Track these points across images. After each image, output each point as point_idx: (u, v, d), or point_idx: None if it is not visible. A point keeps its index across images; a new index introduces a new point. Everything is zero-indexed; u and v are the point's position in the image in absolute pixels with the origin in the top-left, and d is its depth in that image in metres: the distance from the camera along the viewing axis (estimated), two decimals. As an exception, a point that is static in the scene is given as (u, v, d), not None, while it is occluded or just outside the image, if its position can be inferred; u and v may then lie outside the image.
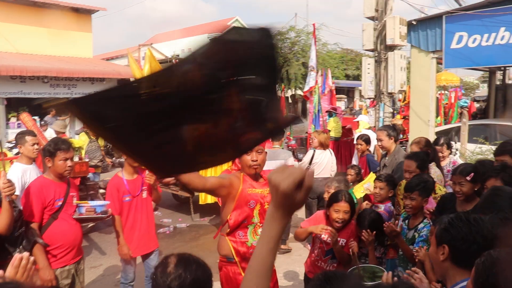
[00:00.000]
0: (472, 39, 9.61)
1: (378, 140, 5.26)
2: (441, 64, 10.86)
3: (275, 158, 6.12)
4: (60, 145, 3.72)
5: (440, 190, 4.16)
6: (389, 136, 5.13)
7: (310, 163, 6.71)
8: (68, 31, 18.84)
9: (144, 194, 4.59)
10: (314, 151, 6.95)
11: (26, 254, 1.93)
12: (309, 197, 6.39)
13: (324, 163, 6.93)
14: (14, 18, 17.34)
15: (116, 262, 6.49)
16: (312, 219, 3.85)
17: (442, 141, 5.45)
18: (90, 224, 7.35)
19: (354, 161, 8.23)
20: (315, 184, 5.74)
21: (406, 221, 3.64)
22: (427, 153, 4.71)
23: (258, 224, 3.23)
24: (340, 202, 3.57)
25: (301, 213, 8.28)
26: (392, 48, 10.30)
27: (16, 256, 1.88)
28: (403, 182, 4.37)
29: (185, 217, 8.78)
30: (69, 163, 3.74)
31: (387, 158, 5.17)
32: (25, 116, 5.44)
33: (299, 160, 11.54)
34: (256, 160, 3.20)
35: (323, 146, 6.92)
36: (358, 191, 4.89)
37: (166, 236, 7.79)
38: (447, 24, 9.93)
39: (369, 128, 10.27)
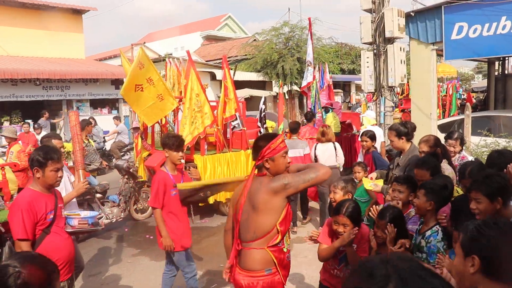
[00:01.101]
0: (472, 29, 9.43)
1: (390, 140, 4.99)
2: (440, 55, 10.68)
3: (294, 147, 7.52)
4: (51, 154, 3.44)
5: (458, 192, 3.90)
6: (398, 136, 4.82)
7: (314, 154, 7.59)
8: (59, 32, 18.61)
9: None
10: (316, 144, 7.68)
11: None
12: (321, 185, 7.26)
13: (326, 155, 7.54)
14: (3, 20, 17.11)
15: (115, 270, 6.29)
16: (326, 230, 3.62)
17: (456, 135, 5.19)
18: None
19: (360, 158, 8.06)
20: None
21: (420, 226, 3.40)
22: (437, 154, 4.45)
23: (290, 229, 3.20)
24: (339, 216, 3.37)
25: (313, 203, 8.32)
26: (391, 40, 10.13)
27: None
28: None
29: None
30: (60, 173, 3.50)
31: (401, 157, 4.89)
32: (72, 114, 5.17)
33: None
34: (291, 161, 3.13)
35: (326, 139, 7.56)
36: (366, 184, 4.70)
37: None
38: (446, 14, 9.74)
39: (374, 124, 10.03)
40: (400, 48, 10.00)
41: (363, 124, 10.87)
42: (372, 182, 4.63)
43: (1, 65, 15.02)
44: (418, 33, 10.26)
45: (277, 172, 3.07)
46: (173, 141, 4.57)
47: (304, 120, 10.48)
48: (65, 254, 3.53)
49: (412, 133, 4.99)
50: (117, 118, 15.81)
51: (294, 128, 8.06)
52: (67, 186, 4.79)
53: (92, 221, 4.00)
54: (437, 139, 4.66)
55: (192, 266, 4.86)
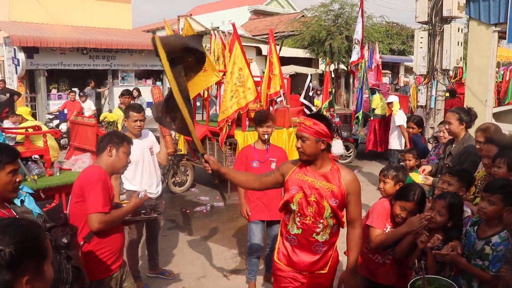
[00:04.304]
0: (543, 9, 8.62)
1: (447, 123, 4.55)
2: (502, 38, 9.95)
3: None
4: (128, 138, 3.33)
5: None
6: (460, 121, 4.37)
7: None
8: (107, 2, 18.71)
9: (273, 165, 4.63)
10: None
11: None
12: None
13: None
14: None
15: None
16: (382, 214, 3.37)
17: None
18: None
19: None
20: None
21: (475, 227, 2.96)
22: None
23: (297, 213, 2.93)
24: (409, 202, 3.18)
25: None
26: (448, 20, 9.50)
27: None
28: (480, 172, 3.78)
29: (222, 195, 8.48)
30: (129, 159, 3.32)
31: (454, 145, 4.46)
32: (155, 88, 5.20)
33: (342, 137, 11.04)
34: (299, 148, 2.91)
35: None
36: (417, 178, 4.37)
37: (203, 216, 7.50)
38: (513, -8, 8.96)
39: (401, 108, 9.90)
40: (458, 28, 9.37)
41: (374, 108, 10.55)
42: (422, 175, 4.29)
43: (51, 34, 15.26)
44: (480, 13, 9.52)
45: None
46: (255, 116, 4.83)
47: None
48: (118, 243, 3.26)
49: (473, 122, 4.54)
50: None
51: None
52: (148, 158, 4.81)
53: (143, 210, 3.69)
54: (497, 129, 4.19)
55: (250, 243, 4.78)
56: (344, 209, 2.95)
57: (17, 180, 2.54)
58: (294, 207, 2.92)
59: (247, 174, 3.44)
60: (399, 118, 9.28)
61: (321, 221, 2.88)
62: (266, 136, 4.71)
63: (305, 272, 3.01)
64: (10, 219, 1.59)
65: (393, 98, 10.15)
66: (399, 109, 9.72)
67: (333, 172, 2.91)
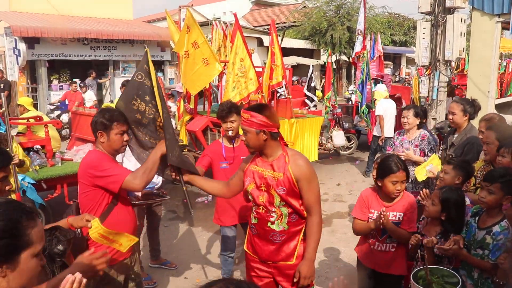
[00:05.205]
0: (548, 0, 8.55)
1: (451, 113, 4.53)
2: (505, 29, 9.88)
3: None
4: (116, 116, 3.06)
5: None
6: (464, 112, 4.36)
7: None
8: (109, -8, 18.64)
9: None
10: None
11: (78, 275, 1.64)
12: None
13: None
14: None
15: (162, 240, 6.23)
16: (361, 204, 3.41)
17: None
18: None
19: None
20: None
21: (476, 218, 2.94)
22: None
23: (253, 203, 3.01)
24: (398, 172, 3.17)
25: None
26: (451, 10, 9.45)
27: (68, 278, 1.62)
28: (478, 163, 3.78)
29: (224, 186, 8.47)
30: (125, 137, 3.12)
31: (456, 135, 4.46)
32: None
33: (344, 128, 11.01)
34: (244, 141, 2.91)
35: None
36: (420, 174, 4.30)
37: (205, 206, 7.50)
38: (518, -18, 8.88)
39: (387, 97, 9.87)
40: (461, 19, 9.32)
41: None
42: (427, 167, 4.24)
43: (52, 24, 15.20)
44: (483, 3, 9.44)
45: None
46: (217, 111, 4.34)
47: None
48: (131, 227, 3.16)
49: (476, 113, 4.53)
50: None
51: None
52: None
53: (154, 191, 3.76)
54: (501, 119, 4.16)
55: (226, 247, 4.64)
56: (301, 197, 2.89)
57: (6, 189, 2.34)
58: (251, 197, 2.98)
59: (214, 182, 3.33)
60: (379, 107, 9.34)
61: (273, 209, 2.89)
62: (230, 133, 4.26)
63: (269, 261, 3.01)
64: None
65: (378, 87, 10.17)
66: (385, 98, 9.79)
67: (279, 160, 2.89)
